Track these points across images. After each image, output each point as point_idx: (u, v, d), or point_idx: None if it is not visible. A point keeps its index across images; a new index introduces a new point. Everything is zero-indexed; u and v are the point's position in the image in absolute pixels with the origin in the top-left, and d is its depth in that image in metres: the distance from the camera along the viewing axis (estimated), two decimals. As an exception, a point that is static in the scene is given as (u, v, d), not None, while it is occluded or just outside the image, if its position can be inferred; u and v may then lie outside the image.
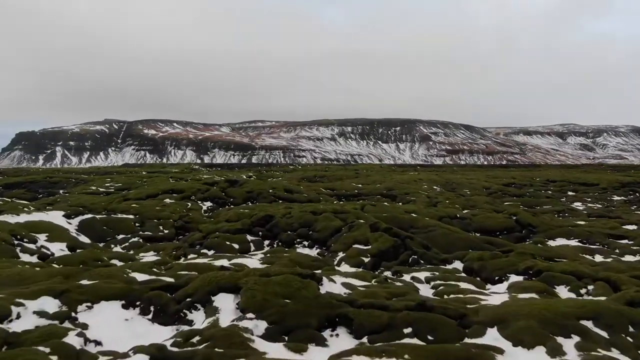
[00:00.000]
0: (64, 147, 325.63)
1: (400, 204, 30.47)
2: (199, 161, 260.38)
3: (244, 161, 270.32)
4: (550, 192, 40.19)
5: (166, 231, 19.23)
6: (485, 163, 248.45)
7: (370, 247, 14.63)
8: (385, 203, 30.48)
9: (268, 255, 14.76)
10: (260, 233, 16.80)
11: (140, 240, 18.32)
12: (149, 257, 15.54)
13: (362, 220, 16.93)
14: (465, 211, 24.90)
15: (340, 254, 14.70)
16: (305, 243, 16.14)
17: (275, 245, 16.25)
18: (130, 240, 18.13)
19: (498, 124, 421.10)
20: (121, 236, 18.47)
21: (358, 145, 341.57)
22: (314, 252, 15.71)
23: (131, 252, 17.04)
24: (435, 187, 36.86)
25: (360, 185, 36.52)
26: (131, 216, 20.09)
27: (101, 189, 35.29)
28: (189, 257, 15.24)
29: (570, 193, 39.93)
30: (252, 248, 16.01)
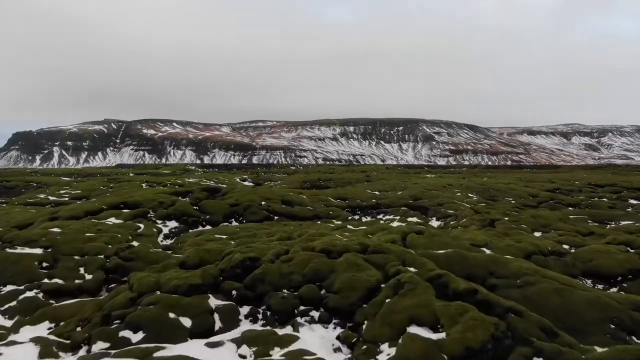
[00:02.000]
0: (62, 147, 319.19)
1: (434, 219, 23.17)
2: (198, 161, 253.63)
3: (244, 161, 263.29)
4: (605, 199, 32.96)
5: (88, 277, 11.93)
6: (490, 163, 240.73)
7: (444, 335, 7.34)
8: (415, 218, 23.22)
9: (243, 351, 7.47)
10: (233, 292, 9.46)
11: (41, 295, 11.04)
12: (24, 346, 8.30)
13: (412, 269, 9.64)
14: (537, 234, 17.66)
15: (386, 350, 7.41)
16: (315, 315, 8.78)
17: (259, 319, 8.89)
18: (21, 297, 10.82)
19: (502, 124, 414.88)
20: (10, 287, 11.15)
21: (360, 145, 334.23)
22: (331, 335, 8.38)
23: (12, 322, 9.83)
24: (470, 195, 29.51)
25: (377, 193, 29.16)
26: (39, 250, 12.75)
27: (51, 198, 28.00)
28: (94, 348, 7.97)
29: (632, 201, 32.65)
30: (218, 326, 8.67)
